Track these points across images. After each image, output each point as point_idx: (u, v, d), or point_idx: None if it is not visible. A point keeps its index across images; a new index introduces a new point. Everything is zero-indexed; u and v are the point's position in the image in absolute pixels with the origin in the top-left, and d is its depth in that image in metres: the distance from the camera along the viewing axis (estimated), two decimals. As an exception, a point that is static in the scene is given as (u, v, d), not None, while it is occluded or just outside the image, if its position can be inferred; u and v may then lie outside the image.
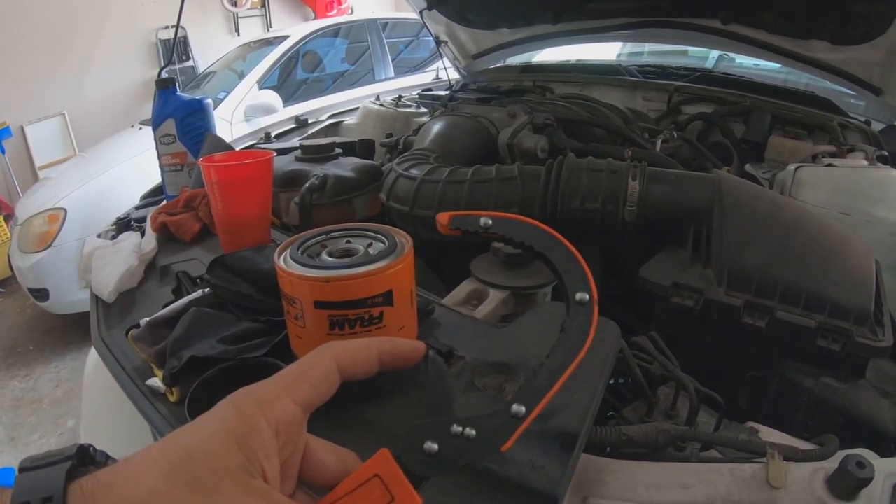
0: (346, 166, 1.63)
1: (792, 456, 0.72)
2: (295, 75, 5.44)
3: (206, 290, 1.11)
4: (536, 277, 1.19)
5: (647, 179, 1.31)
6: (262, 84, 4.99)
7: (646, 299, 1.24)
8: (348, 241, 0.87)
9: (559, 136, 1.72)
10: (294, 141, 2.49)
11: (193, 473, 0.41)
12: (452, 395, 0.57)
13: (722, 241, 1.17)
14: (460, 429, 0.50)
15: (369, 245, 0.85)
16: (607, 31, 2.58)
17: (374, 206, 1.64)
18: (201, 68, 6.77)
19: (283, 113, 4.67)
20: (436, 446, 0.49)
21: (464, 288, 1.19)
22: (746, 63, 3.51)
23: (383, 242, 0.84)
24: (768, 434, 0.85)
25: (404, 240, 0.83)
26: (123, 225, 1.77)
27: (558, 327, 0.69)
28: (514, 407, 0.53)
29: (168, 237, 1.55)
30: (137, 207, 2.03)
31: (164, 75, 1.85)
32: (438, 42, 3.11)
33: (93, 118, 6.74)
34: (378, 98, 2.87)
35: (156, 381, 0.96)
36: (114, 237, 1.66)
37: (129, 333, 1.03)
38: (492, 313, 1.12)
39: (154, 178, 2.30)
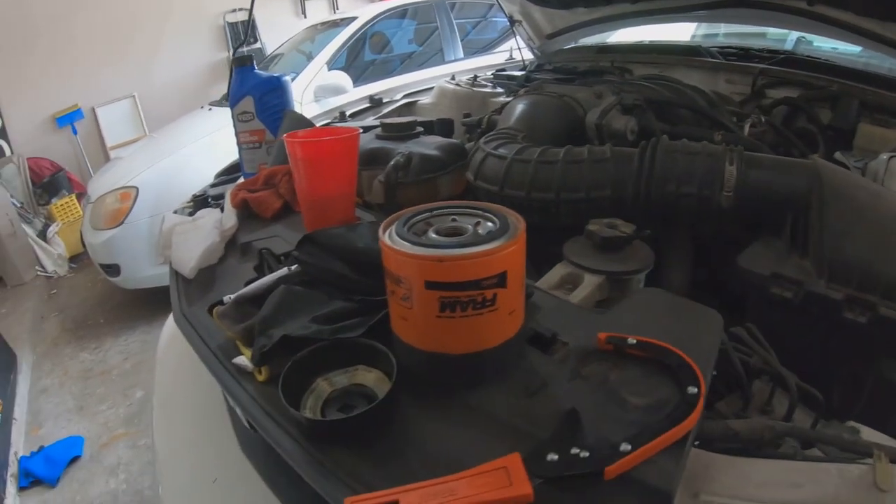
0: (429, 145, 1.62)
1: None
2: (363, 56, 5.44)
3: (292, 267, 1.10)
4: (631, 262, 1.16)
5: (744, 164, 1.26)
6: (332, 65, 4.99)
7: (734, 288, 1.20)
8: (454, 220, 0.84)
9: (649, 118, 1.68)
10: (369, 120, 2.49)
11: None
12: (579, 421, 0.69)
13: (822, 232, 1.12)
14: (577, 450, 0.64)
15: (477, 224, 0.82)
16: (688, 11, 2.51)
17: (458, 185, 1.62)
18: (269, 50, 6.84)
19: (352, 93, 4.69)
20: (556, 457, 0.64)
21: (557, 271, 1.17)
22: (825, 47, 3.39)
23: (493, 222, 0.81)
24: (870, 434, 0.84)
25: (515, 220, 0.80)
26: (201, 202, 1.78)
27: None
28: (623, 445, 0.64)
29: (248, 214, 1.55)
30: (213, 185, 2.04)
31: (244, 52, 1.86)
32: (512, 22, 3.06)
33: (162, 100, 6.96)
34: (453, 78, 2.84)
35: (243, 360, 0.95)
36: (191, 213, 1.68)
37: (214, 310, 1.03)
38: (587, 298, 1.09)
39: (224, 158, 2.33)
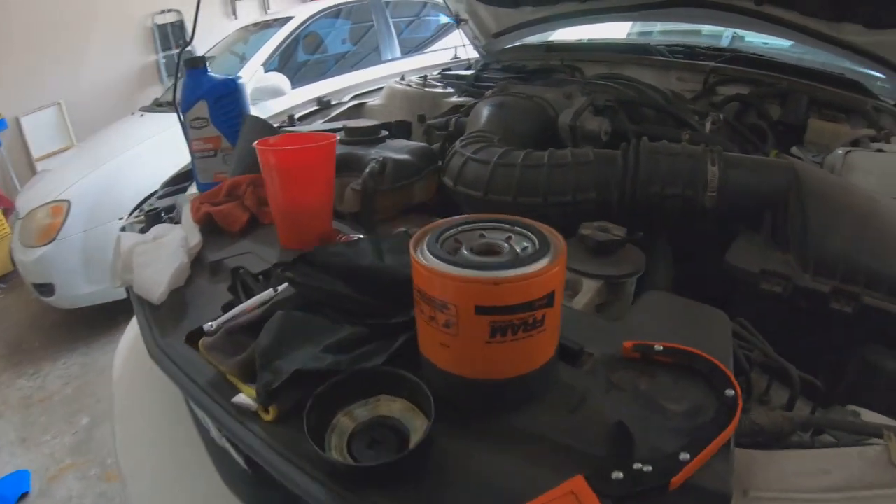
0: (400, 149, 1.59)
1: None
2: (296, 57, 5.36)
3: (278, 288, 1.04)
4: (626, 265, 1.17)
5: (724, 164, 1.30)
6: (267, 67, 4.91)
7: (715, 284, 1.22)
8: (482, 235, 0.81)
9: (621, 119, 1.70)
10: (319, 122, 2.44)
11: None
12: (633, 436, 0.69)
13: (806, 228, 1.17)
14: (640, 465, 0.64)
15: (509, 238, 0.79)
16: (637, 10, 2.54)
17: (430, 190, 1.60)
18: (199, 52, 6.68)
19: (291, 95, 4.63)
20: (621, 475, 0.64)
21: (556, 278, 1.15)
22: (757, 42, 3.49)
23: (527, 237, 0.78)
24: (868, 416, 0.88)
25: (550, 234, 0.78)
26: (153, 217, 1.69)
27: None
28: (682, 455, 0.65)
29: (211, 229, 1.47)
30: (159, 197, 1.96)
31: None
32: (458, 20, 3.05)
33: (90, 107, 6.67)
34: (403, 78, 2.81)
35: (244, 398, 0.86)
36: (144, 230, 1.59)
37: (201, 343, 0.95)
38: (588, 304, 1.10)
39: (162, 166, 2.25)
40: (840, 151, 1.55)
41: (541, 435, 0.73)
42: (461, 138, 1.60)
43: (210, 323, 0.98)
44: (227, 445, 1.14)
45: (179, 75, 1.77)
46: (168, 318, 1.22)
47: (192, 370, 1.00)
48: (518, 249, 0.76)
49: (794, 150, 1.81)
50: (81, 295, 4.01)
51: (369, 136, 1.69)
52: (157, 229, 1.52)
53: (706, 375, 0.77)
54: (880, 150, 1.54)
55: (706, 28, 3.53)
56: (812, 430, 0.86)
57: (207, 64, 4.41)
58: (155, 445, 1.49)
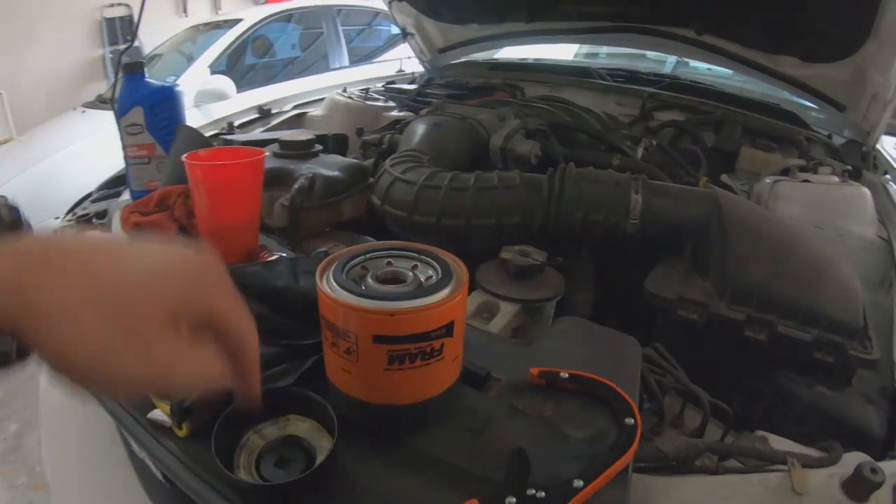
0: (331, 165, 1.57)
1: (808, 463, 0.78)
2: (244, 60, 5.31)
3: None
4: (545, 289, 1.19)
5: (648, 193, 1.32)
6: (213, 69, 4.85)
7: (637, 309, 1.25)
8: (389, 263, 0.81)
9: (552, 143, 1.72)
10: (258, 132, 2.42)
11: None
12: (530, 462, 0.70)
13: (724, 257, 1.19)
14: (534, 491, 0.65)
15: (415, 267, 0.79)
16: (580, 34, 2.59)
17: (360, 208, 1.59)
18: (147, 50, 6.56)
19: (235, 99, 4.56)
20: (514, 500, 0.64)
21: (473, 300, 1.17)
22: (701, 67, 3.57)
23: (432, 266, 0.78)
24: (776, 442, 0.89)
25: (454, 264, 0.78)
26: (84, 222, 1.66)
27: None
28: (576, 482, 0.65)
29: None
30: (93, 200, 1.92)
31: (126, 59, 1.74)
32: (405, 34, 3.06)
33: (32, 99, 6.50)
34: (345, 90, 2.80)
35: (159, 414, 0.85)
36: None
37: None
38: (505, 327, 1.10)
39: (100, 166, 2.20)
40: (768, 180, 1.60)
41: (442, 459, 0.73)
42: (391, 157, 1.60)
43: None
44: (147, 459, 1.12)
45: (118, 77, 1.74)
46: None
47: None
48: (422, 278, 0.76)
49: (723, 177, 1.85)
50: (14, 299, 3.85)
51: (302, 150, 1.67)
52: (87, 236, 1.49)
53: (609, 403, 0.79)
54: (807, 181, 1.59)
55: (652, 53, 3.61)
56: (719, 456, 0.87)
57: (154, 62, 4.29)
58: (81, 455, 1.46)
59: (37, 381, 1.78)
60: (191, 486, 0.76)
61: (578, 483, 0.65)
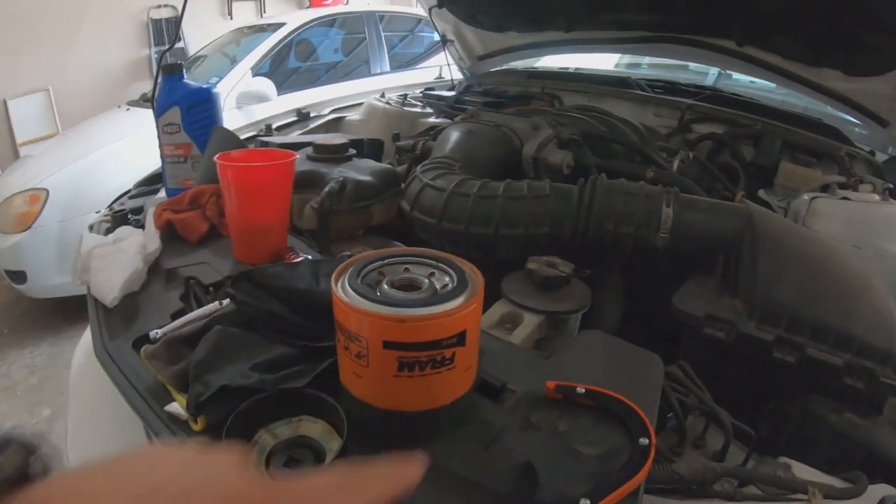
0: (363, 170, 1.58)
1: (831, 494, 0.77)
2: (287, 63, 5.33)
3: (223, 302, 1.05)
4: (570, 301, 1.17)
5: (680, 206, 1.30)
6: (256, 71, 4.88)
7: (666, 324, 1.23)
8: (406, 269, 0.81)
9: (585, 153, 1.71)
10: (295, 134, 2.44)
11: None
12: (536, 475, 0.69)
13: (755, 275, 1.17)
14: None
15: (431, 275, 0.79)
16: (620, 43, 2.56)
17: (390, 213, 1.59)
18: (192, 51, 6.65)
19: (276, 102, 4.58)
20: None
21: (497, 310, 1.16)
22: (743, 80, 3.52)
23: (448, 275, 0.78)
24: (799, 469, 0.87)
25: (472, 273, 0.78)
26: (120, 218, 1.68)
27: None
28: (583, 501, 0.64)
29: (172, 236, 1.46)
30: (131, 196, 1.95)
31: (169, 60, 1.77)
32: (445, 41, 3.07)
33: (78, 96, 6.60)
34: (383, 95, 2.82)
35: (176, 407, 0.87)
36: (108, 230, 1.58)
37: (143, 350, 0.96)
38: (528, 338, 1.09)
39: (141, 163, 2.23)
40: (806, 197, 1.56)
41: (451, 469, 0.72)
42: (423, 163, 1.61)
43: (156, 330, 0.99)
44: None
45: (158, 77, 1.77)
46: (118, 321, 1.21)
47: (133, 375, 1.00)
48: (438, 286, 0.76)
49: (760, 192, 1.82)
50: (53, 285, 3.93)
51: (335, 154, 1.68)
52: (119, 232, 1.50)
53: (625, 421, 0.77)
54: (846, 199, 1.55)
55: (693, 64, 3.57)
56: (738, 482, 0.85)
57: (198, 63, 4.35)
58: (104, 444, 1.48)
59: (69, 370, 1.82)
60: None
61: (585, 502, 0.64)
